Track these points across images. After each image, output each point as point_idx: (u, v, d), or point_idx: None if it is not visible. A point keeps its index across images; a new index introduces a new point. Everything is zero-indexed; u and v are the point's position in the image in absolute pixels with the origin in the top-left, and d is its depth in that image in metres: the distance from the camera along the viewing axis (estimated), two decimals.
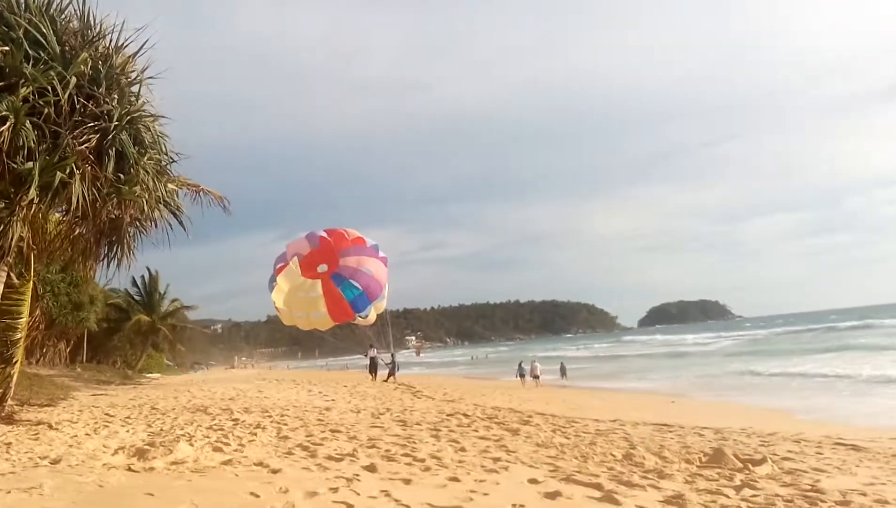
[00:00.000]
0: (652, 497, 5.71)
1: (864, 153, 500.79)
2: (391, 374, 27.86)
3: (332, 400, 17.07)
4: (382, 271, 17.89)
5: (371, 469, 6.71)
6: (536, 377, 31.19)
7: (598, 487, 5.99)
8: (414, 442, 8.65)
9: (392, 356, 27.99)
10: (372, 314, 18.50)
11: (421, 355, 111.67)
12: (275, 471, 6.40)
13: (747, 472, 6.83)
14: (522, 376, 31.56)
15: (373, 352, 29.81)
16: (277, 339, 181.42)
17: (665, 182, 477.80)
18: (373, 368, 29.35)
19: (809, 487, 6.22)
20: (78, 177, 8.02)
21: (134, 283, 45.62)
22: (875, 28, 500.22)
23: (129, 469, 6.17)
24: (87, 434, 8.75)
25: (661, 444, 8.98)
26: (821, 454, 8.53)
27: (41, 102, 7.73)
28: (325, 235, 18.54)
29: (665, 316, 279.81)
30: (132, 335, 44.71)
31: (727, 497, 5.75)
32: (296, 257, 17.84)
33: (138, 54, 9.01)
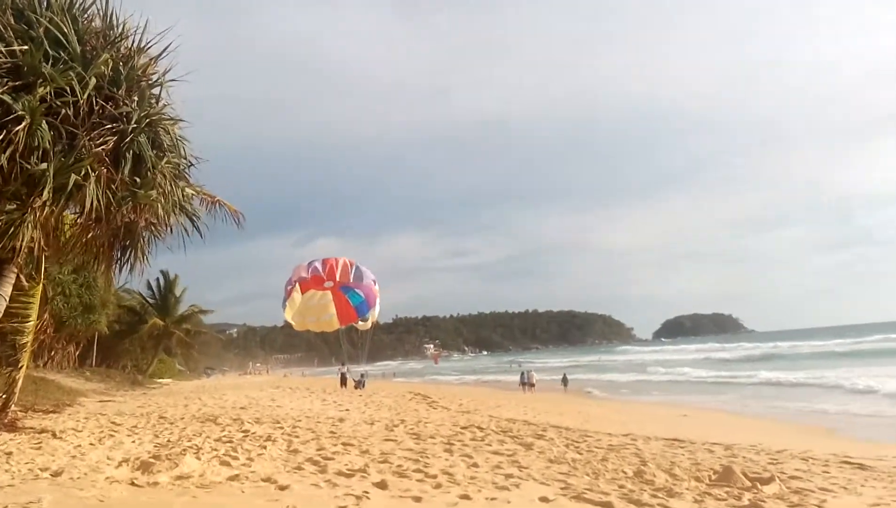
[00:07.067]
0: None
1: (881, 171, 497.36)
2: (357, 387, 31.58)
3: (347, 410, 16.87)
4: (374, 290, 21.47)
5: (381, 485, 6.52)
6: (532, 384, 34.60)
7: (608, 506, 5.98)
8: (427, 457, 8.47)
9: (362, 374, 32.83)
10: (369, 321, 21.85)
11: (438, 363, 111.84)
12: (283, 487, 6.18)
13: (755, 491, 6.78)
14: (524, 383, 34.89)
15: (344, 369, 34.32)
16: (294, 345, 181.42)
17: (685, 195, 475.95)
18: (343, 381, 33.21)
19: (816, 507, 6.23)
20: (93, 179, 7.88)
21: (149, 286, 45.64)
22: (890, 53, 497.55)
23: (133, 484, 5.94)
24: (91, 444, 8.57)
25: (671, 461, 8.95)
26: (828, 472, 8.51)
27: (59, 103, 7.62)
28: (329, 261, 22.09)
29: (679, 329, 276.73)
30: (144, 338, 44.64)
31: None
32: (298, 284, 20.91)
33: (161, 56, 8.91)
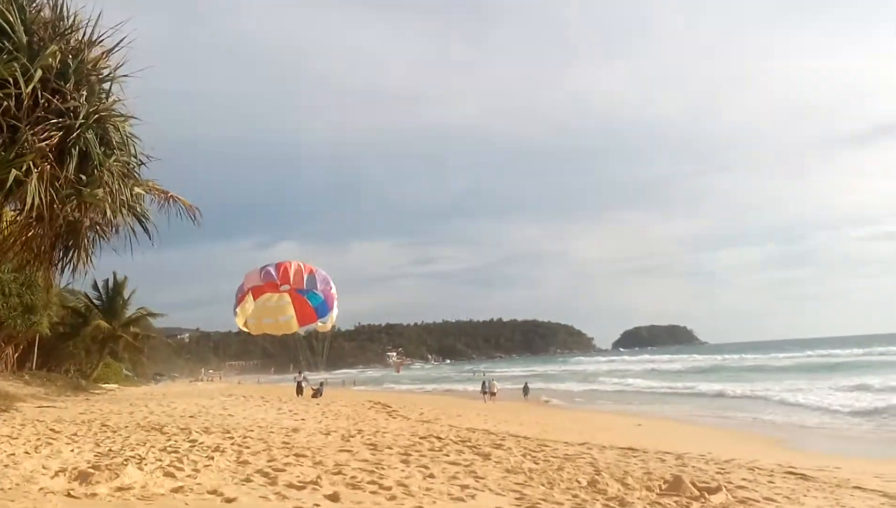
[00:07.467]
0: None
1: (825, 195, 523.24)
2: (315, 395, 31.80)
3: (302, 420, 16.51)
4: (332, 293, 21.30)
5: (333, 498, 6.37)
6: (493, 393, 35.38)
7: None
8: (382, 468, 8.35)
9: (321, 383, 33.43)
10: (328, 324, 21.76)
11: (400, 371, 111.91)
12: (229, 500, 5.99)
13: (703, 501, 6.95)
14: (485, 392, 35.72)
15: (301, 377, 35.50)
16: (249, 352, 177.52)
17: (646, 211, 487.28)
18: (299, 390, 33.71)
19: None
20: (35, 176, 7.50)
21: (95, 287, 43.97)
22: (839, 79, 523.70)
23: (69, 495, 5.64)
24: (26, 453, 8.14)
25: (624, 470, 9.12)
26: (772, 482, 8.78)
27: (0, 95, 7.26)
28: (282, 265, 21.53)
29: (637, 339, 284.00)
30: (89, 341, 42.90)
31: None
32: (250, 292, 20.62)
33: (114, 50, 8.58)
